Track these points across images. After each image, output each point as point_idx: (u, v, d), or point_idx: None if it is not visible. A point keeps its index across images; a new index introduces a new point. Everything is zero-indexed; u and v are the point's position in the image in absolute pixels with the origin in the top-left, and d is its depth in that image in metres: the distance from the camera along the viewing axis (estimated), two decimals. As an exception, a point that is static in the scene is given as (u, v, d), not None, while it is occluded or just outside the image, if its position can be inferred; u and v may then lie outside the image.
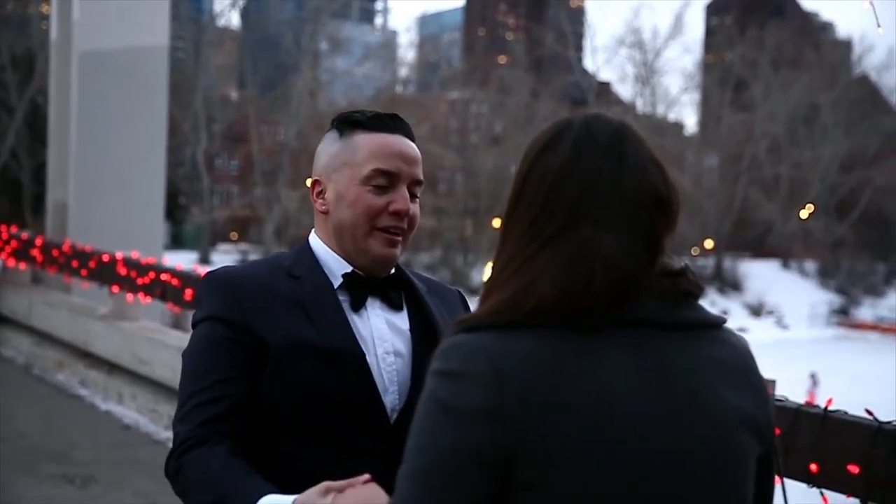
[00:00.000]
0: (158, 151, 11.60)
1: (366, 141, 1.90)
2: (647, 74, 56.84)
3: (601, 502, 1.20)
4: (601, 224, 1.25)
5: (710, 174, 58.08)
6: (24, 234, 10.65)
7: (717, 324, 1.32)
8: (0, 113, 34.79)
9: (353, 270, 1.92)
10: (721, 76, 57.85)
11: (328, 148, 1.94)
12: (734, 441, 1.26)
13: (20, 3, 38.12)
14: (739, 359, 1.32)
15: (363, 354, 1.84)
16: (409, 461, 1.24)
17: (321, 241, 1.96)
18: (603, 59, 70.90)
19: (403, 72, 60.08)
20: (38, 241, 10.19)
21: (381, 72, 56.99)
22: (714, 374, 1.27)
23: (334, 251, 1.94)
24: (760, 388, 1.33)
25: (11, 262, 10.62)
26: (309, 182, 1.97)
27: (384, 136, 1.91)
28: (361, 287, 1.91)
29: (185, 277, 7.65)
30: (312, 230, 1.99)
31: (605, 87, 62.43)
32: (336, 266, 1.93)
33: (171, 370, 7.19)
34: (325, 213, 1.93)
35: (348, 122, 1.94)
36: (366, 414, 1.81)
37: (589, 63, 68.38)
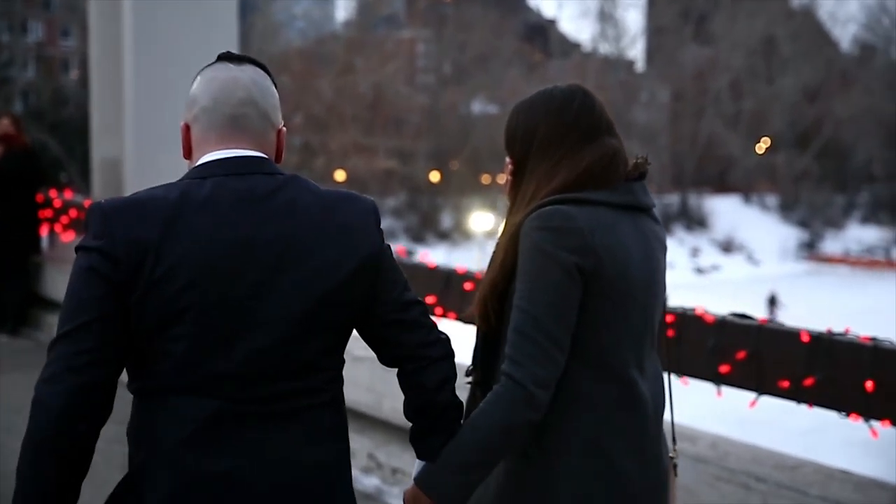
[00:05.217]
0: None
1: None
2: (607, 10, 55.44)
3: (624, 298, 2.05)
4: (611, 136, 2.12)
5: (662, 109, 57.00)
6: (87, 201, 8.66)
7: (653, 206, 2.17)
8: None
9: None
10: (679, 9, 56.61)
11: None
12: (663, 275, 2.18)
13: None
14: (661, 231, 2.20)
15: None
16: (523, 280, 2.01)
17: None
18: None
19: (347, 13, 57.65)
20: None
21: (328, 12, 54.68)
22: (656, 239, 2.15)
23: None
24: (665, 248, 2.24)
25: (68, 236, 8.75)
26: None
27: None
28: None
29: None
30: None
31: (551, 24, 60.96)
32: None
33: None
34: None
35: None
36: None
37: (539, -1, 66.66)
